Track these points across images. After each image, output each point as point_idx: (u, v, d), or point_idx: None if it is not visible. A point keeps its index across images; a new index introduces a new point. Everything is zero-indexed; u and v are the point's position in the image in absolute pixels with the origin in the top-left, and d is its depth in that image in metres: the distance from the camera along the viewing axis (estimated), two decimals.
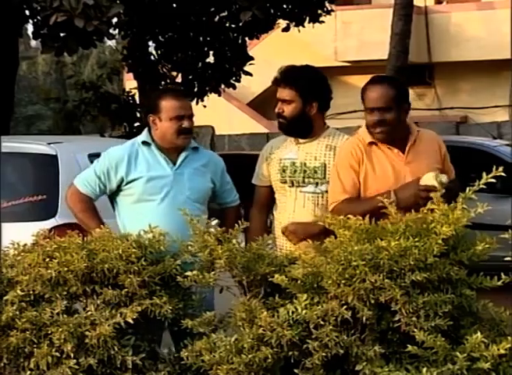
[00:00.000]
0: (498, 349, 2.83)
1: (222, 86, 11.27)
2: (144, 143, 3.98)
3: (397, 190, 3.64)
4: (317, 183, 3.97)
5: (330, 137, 4.04)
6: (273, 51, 17.75)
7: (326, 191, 3.95)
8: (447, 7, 19.29)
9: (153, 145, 3.97)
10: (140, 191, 3.91)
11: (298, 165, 4.01)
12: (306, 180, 3.99)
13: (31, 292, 3.41)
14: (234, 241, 3.28)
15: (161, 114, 3.93)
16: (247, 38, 11.09)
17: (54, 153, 5.16)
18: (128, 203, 3.96)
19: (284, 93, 4.00)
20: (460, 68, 18.45)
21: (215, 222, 3.41)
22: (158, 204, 3.89)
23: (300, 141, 4.05)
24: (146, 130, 4.04)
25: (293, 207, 4.00)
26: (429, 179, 3.54)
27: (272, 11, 10.03)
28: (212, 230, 3.33)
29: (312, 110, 3.98)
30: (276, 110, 4.03)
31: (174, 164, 3.96)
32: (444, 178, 3.54)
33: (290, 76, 4.02)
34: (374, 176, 3.75)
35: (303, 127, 4.01)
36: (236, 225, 3.37)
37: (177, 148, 3.97)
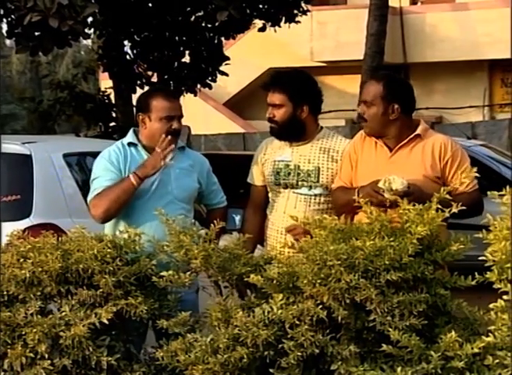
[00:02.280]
0: (472, 348, 2.84)
1: (198, 86, 11.26)
2: (130, 144, 3.96)
3: (361, 187, 3.68)
4: (310, 187, 3.99)
5: (324, 139, 4.04)
6: (249, 52, 17.77)
7: (320, 194, 3.98)
8: (422, 8, 19.38)
9: (139, 146, 3.95)
10: None
11: (292, 167, 4.02)
12: (300, 183, 4.00)
13: (5, 293, 3.38)
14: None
15: (151, 113, 3.91)
16: (223, 38, 11.09)
17: (28, 153, 5.13)
18: None
19: (274, 98, 3.99)
20: (435, 68, 18.56)
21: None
22: (143, 203, 3.86)
23: (294, 143, 4.05)
24: (131, 131, 4.01)
25: (284, 207, 4.01)
26: (383, 182, 3.56)
27: (248, 11, 10.05)
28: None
29: (303, 114, 3.98)
30: (267, 115, 4.04)
31: None
32: (397, 185, 3.50)
33: (279, 80, 4.02)
34: (361, 165, 3.82)
35: (294, 131, 4.01)
36: (212, 225, 3.37)
37: None
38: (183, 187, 3.96)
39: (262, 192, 4.15)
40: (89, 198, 3.89)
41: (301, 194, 3.99)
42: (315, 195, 3.98)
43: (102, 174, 3.88)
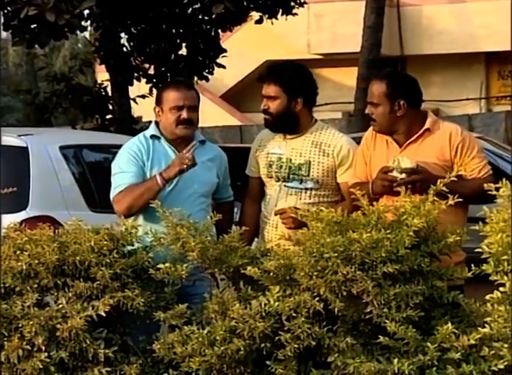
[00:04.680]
0: (468, 340, 2.85)
1: (195, 78, 11.23)
2: (153, 136, 3.98)
3: (374, 179, 3.73)
4: (301, 180, 3.99)
5: (317, 132, 4.04)
6: (246, 44, 17.73)
7: (311, 188, 3.98)
8: (419, 0, 19.35)
9: (162, 138, 3.97)
10: None
11: (284, 160, 4.02)
12: (291, 176, 4.00)
13: (1, 285, 3.38)
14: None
15: (163, 105, 3.96)
16: (219, 30, 11.06)
17: (24, 145, 5.13)
18: None
19: (269, 89, 4.00)
20: (431, 61, 18.53)
21: None
22: (165, 196, 3.85)
23: (288, 136, 4.05)
24: (153, 123, 4.04)
25: (276, 201, 4.02)
26: (392, 161, 3.65)
27: (245, 3, 10.02)
28: None
29: (298, 106, 3.99)
30: (262, 107, 4.04)
31: None
32: (405, 164, 3.59)
33: (274, 72, 4.03)
34: (374, 162, 3.84)
35: (289, 123, 4.02)
36: (209, 218, 3.38)
37: (183, 139, 3.95)
38: (204, 182, 3.98)
39: (259, 184, 4.16)
40: (112, 194, 3.90)
41: (292, 187, 4.00)
42: (306, 189, 3.99)
43: (125, 169, 3.89)
